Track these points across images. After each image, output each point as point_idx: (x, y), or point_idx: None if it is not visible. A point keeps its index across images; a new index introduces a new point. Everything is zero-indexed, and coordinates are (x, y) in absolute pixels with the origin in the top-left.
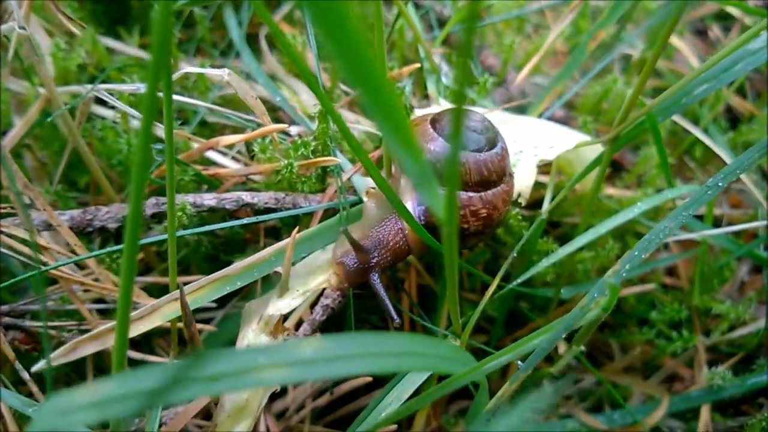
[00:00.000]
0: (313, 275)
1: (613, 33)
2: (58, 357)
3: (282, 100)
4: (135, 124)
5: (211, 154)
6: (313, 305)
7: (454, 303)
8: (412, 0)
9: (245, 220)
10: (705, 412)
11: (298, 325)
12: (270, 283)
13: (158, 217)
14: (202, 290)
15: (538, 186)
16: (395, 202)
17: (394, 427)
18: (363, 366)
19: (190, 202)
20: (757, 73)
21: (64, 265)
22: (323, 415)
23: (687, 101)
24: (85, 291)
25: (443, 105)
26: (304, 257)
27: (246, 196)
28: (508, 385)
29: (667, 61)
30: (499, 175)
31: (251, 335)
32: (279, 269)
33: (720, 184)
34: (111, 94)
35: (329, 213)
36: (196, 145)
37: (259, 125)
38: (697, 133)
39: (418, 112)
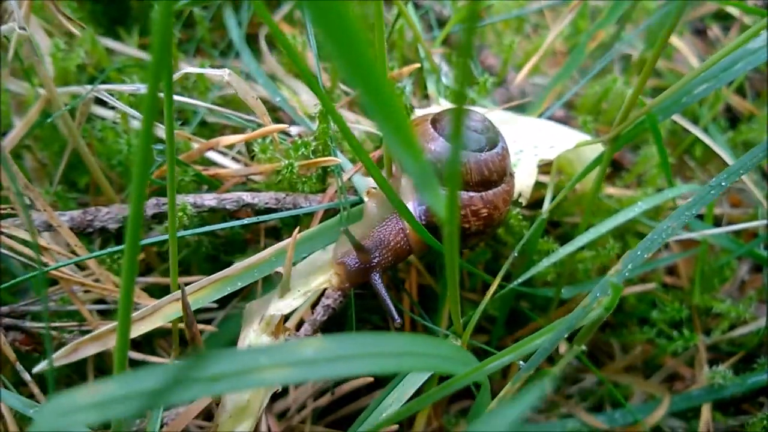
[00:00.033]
0: (314, 275)
1: (612, 33)
2: (60, 358)
3: (282, 100)
4: (135, 124)
5: (211, 155)
6: (314, 305)
7: (455, 302)
8: (411, 0)
9: (246, 221)
10: (706, 411)
11: (299, 325)
12: (271, 283)
13: (159, 218)
14: (203, 291)
15: (539, 186)
16: (396, 202)
17: (395, 427)
18: (364, 366)
19: (191, 202)
20: (756, 73)
21: (64, 265)
22: (324, 415)
23: (687, 101)
24: (86, 292)
25: (443, 105)
26: (304, 257)
27: (246, 197)
28: (511, 384)
29: (666, 61)
30: (500, 174)
31: (252, 336)
32: (280, 269)
33: (723, 183)
34: (111, 95)
35: (330, 213)
36: (196, 146)
37: (259, 125)
38: (696, 132)
39: (419, 112)
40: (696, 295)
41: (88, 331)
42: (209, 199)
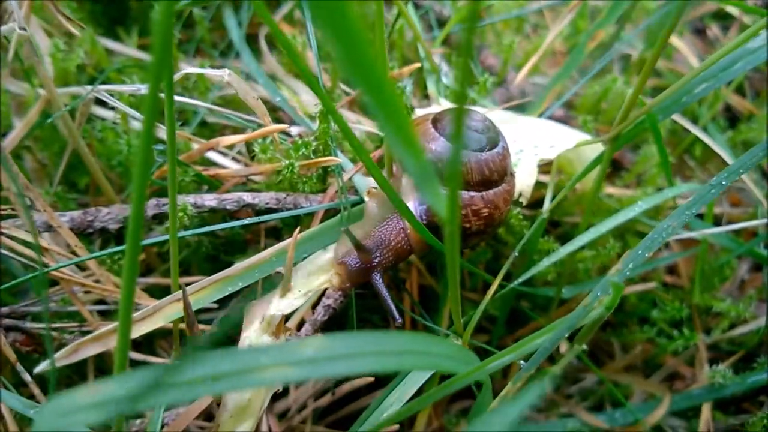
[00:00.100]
0: (315, 275)
1: (612, 33)
2: (61, 358)
3: (282, 100)
4: (135, 125)
5: (211, 155)
6: (314, 305)
7: (456, 302)
8: (411, 0)
9: (246, 221)
10: (706, 411)
11: (300, 325)
12: (271, 283)
13: (159, 218)
14: (204, 291)
15: (539, 185)
16: (397, 202)
17: (396, 427)
18: (365, 365)
19: (191, 202)
20: (756, 72)
21: (65, 266)
22: (325, 415)
23: (687, 100)
24: (86, 292)
25: (443, 105)
26: (305, 257)
27: (247, 197)
28: (512, 384)
29: (666, 61)
30: (501, 174)
31: (253, 336)
32: (280, 269)
33: (723, 182)
34: (111, 95)
35: (330, 213)
36: (196, 146)
37: (260, 125)
38: (696, 132)
39: (419, 112)
40: (696, 294)
41: (88, 332)
42: (210, 200)
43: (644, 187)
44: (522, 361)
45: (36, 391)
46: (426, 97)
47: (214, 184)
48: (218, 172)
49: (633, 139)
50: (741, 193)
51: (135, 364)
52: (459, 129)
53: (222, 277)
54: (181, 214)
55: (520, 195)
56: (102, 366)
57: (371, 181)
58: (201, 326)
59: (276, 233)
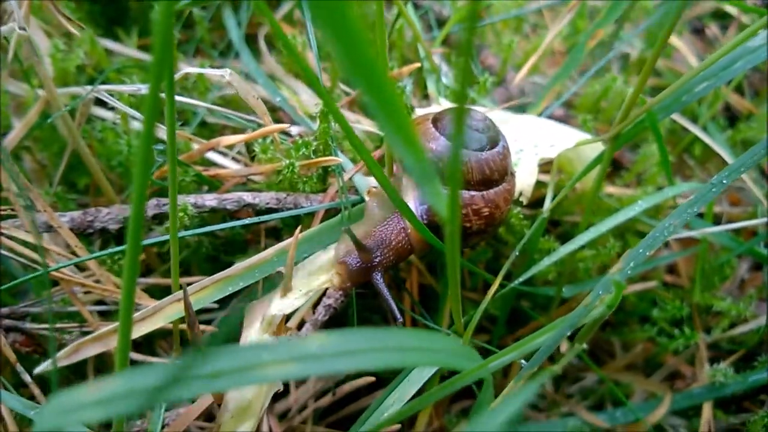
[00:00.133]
0: (316, 275)
1: (611, 32)
2: (62, 358)
3: (282, 100)
4: (135, 125)
5: (211, 155)
6: (315, 305)
7: (457, 301)
8: (411, 0)
9: (247, 221)
10: (707, 410)
11: (301, 325)
12: (272, 283)
13: (159, 218)
14: (205, 291)
15: (539, 185)
16: (398, 201)
17: (397, 426)
18: (368, 361)
19: (192, 202)
20: (755, 72)
21: (65, 266)
22: (326, 415)
23: (687, 99)
24: (86, 293)
25: (443, 104)
26: (306, 257)
27: (247, 197)
28: (514, 382)
29: (665, 60)
30: (501, 173)
31: (254, 336)
32: (281, 269)
33: (725, 181)
34: (111, 95)
35: (331, 213)
36: (196, 146)
37: (259, 125)
38: (696, 131)
39: (419, 112)
40: (696, 293)
41: (88, 332)
42: (210, 200)
43: (644, 186)
44: (523, 361)
45: (36, 391)
46: (426, 97)
47: (214, 184)
48: (218, 172)
49: (633, 138)
50: (740, 192)
51: (135, 364)
52: (459, 128)
53: (222, 277)
54: (181, 214)
55: (521, 194)
56: (101, 367)
57: (372, 181)
58: (201, 326)
59: (276, 233)
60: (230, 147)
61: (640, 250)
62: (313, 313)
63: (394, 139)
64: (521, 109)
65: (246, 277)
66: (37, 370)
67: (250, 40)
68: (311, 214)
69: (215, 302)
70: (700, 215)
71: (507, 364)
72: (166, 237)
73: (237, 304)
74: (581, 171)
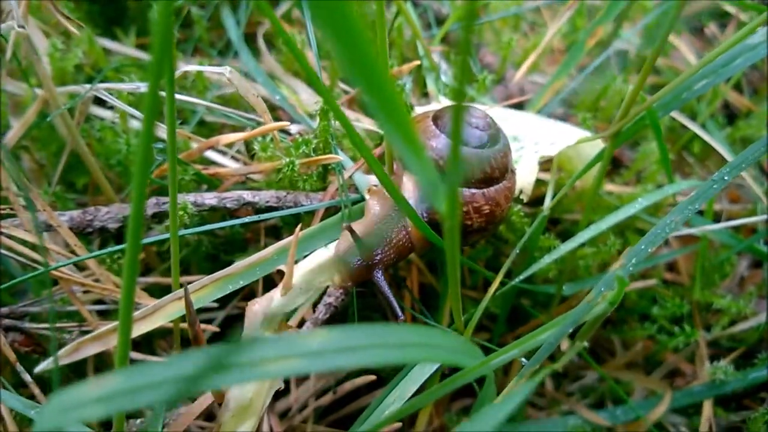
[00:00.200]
0: (316, 273)
1: (610, 31)
2: (62, 357)
3: (281, 98)
4: (133, 124)
5: (211, 154)
6: (315, 304)
7: (457, 299)
8: None
9: (247, 219)
10: (707, 407)
11: (301, 323)
12: (272, 282)
13: (159, 217)
14: (205, 289)
15: (539, 183)
16: (399, 199)
17: (398, 425)
18: (371, 357)
19: (191, 201)
20: (754, 69)
21: (65, 265)
22: (326, 414)
23: (686, 97)
24: (85, 292)
25: (443, 102)
26: (306, 255)
27: (247, 195)
28: (516, 380)
29: (664, 58)
30: (502, 171)
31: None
32: (281, 268)
33: (726, 177)
34: (110, 94)
35: (331, 211)
36: (195, 145)
37: (259, 124)
38: (695, 128)
39: (418, 110)
40: (696, 291)
41: (87, 332)
42: (210, 198)
43: (644, 184)
44: (523, 359)
45: (36, 391)
46: (425, 95)
47: (214, 183)
48: (218, 170)
49: (633, 135)
50: (740, 189)
51: (134, 363)
52: (458, 126)
53: (223, 275)
54: (181, 212)
55: (521, 192)
56: (101, 366)
57: (372, 179)
58: (202, 325)
59: (276, 232)
60: (230, 145)
61: (642, 247)
62: (314, 311)
63: (394, 137)
64: (521, 107)
65: (246, 275)
66: (38, 369)
67: (249, 39)
68: (311, 213)
69: (215, 301)
70: (700, 213)
71: (507, 363)
72: (166, 236)
73: (238, 305)
74: (581, 169)
